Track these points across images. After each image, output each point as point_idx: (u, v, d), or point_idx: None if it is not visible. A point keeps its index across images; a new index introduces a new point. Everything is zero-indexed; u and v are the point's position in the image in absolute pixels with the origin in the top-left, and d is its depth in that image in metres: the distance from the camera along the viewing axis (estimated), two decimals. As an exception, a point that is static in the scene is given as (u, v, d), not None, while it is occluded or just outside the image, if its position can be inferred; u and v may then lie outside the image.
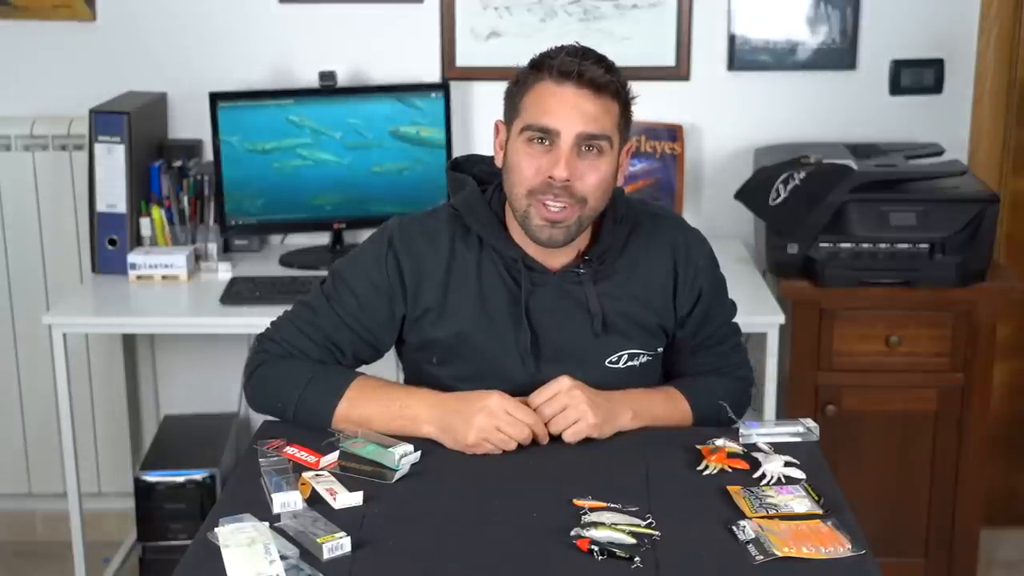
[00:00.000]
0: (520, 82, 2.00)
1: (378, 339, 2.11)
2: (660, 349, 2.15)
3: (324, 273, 3.15)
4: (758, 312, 2.92)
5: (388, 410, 1.99)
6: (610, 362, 2.09)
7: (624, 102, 2.00)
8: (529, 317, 2.05)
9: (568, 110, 1.94)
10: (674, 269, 2.12)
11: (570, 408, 1.96)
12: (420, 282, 2.06)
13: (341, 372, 2.06)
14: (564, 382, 1.98)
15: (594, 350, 2.08)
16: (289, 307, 2.17)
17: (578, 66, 1.93)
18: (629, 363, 2.10)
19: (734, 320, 2.24)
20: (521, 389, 2.01)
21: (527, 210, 1.98)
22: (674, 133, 3.37)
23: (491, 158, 2.13)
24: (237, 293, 3.02)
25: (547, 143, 1.95)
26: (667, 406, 2.10)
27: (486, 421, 1.92)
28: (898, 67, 3.41)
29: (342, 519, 1.72)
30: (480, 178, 2.12)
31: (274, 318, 2.16)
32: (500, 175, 2.07)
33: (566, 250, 2.05)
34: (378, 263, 2.08)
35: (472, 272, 2.06)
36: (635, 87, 2.03)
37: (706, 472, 1.88)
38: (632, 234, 2.10)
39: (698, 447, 1.94)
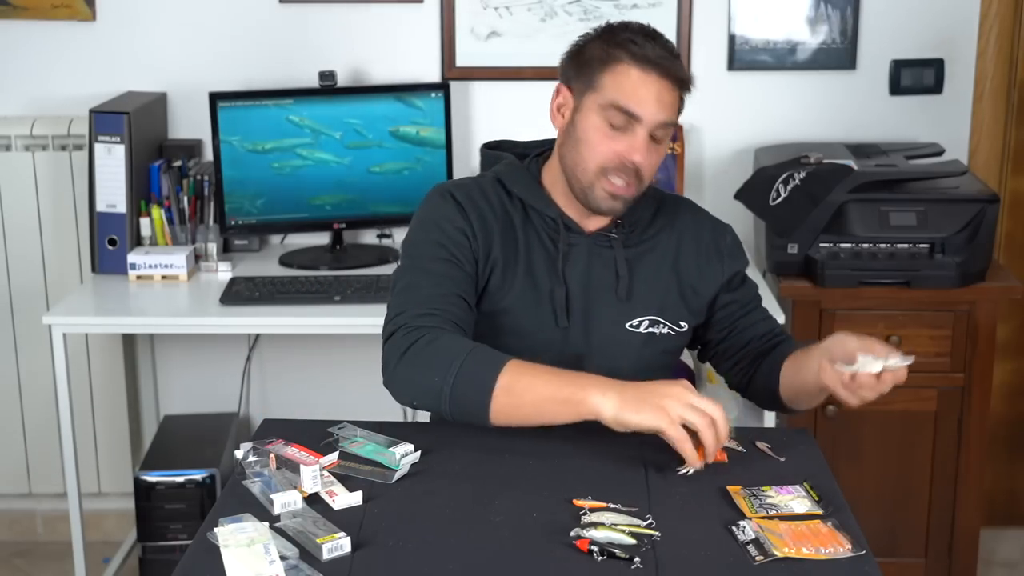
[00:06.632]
0: (596, 56, 2.05)
1: (478, 278, 2.08)
2: (683, 327, 2.16)
3: (324, 272, 3.19)
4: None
5: (556, 378, 1.88)
6: (631, 326, 2.13)
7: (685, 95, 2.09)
8: (564, 275, 2.10)
9: (653, 100, 2.01)
10: (702, 248, 2.19)
11: None
12: (486, 233, 2.09)
13: (497, 352, 1.95)
14: None
15: (617, 312, 2.12)
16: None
17: (664, 59, 2.01)
18: (649, 329, 2.14)
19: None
20: (549, 342, 2.08)
21: (593, 182, 2.05)
22: (674, 133, 3.36)
23: (523, 143, 2.25)
24: (237, 293, 3.02)
25: (625, 125, 2.02)
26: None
27: (674, 405, 1.80)
28: (898, 67, 3.41)
29: (342, 519, 1.72)
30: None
31: (383, 318, 2.04)
32: (535, 151, 2.18)
33: (601, 216, 2.13)
34: (449, 214, 2.09)
35: (520, 230, 2.12)
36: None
37: (682, 472, 1.85)
38: (659, 210, 2.19)
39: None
